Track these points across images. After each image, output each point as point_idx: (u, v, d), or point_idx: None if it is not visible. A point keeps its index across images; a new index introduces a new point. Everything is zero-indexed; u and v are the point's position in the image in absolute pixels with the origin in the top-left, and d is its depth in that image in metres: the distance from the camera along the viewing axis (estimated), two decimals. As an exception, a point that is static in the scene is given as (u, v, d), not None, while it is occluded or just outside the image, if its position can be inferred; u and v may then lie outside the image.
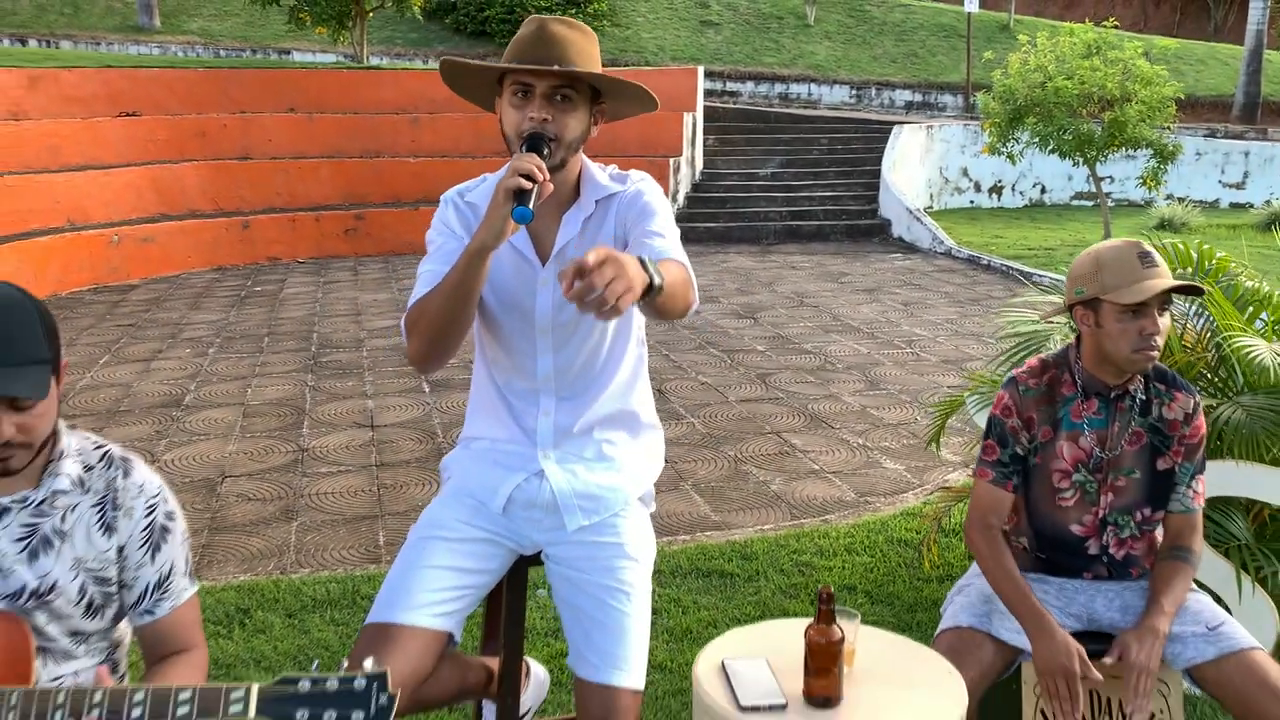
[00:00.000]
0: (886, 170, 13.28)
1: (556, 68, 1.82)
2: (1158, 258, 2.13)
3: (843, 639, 1.81)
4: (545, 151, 1.81)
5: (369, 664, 1.51)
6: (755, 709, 1.79)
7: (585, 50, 1.89)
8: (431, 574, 1.94)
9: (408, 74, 12.95)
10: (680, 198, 12.92)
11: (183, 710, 1.51)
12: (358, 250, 11.54)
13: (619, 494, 2.03)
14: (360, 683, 1.50)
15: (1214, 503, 3.01)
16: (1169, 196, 15.70)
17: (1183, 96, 12.16)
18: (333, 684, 1.50)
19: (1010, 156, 11.74)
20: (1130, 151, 11.59)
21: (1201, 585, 2.89)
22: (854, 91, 21.22)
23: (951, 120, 16.59)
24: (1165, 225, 13.12)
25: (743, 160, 14.45)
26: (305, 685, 1.50)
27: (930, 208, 15.07)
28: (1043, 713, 2.21)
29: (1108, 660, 2.15)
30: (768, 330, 8.15)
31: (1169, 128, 11.38)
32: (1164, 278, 2.10)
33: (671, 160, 12.35)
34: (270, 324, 8.23)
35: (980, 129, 13.40)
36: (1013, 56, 11.68)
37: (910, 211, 12.53)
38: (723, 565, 3.90)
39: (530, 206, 1.71)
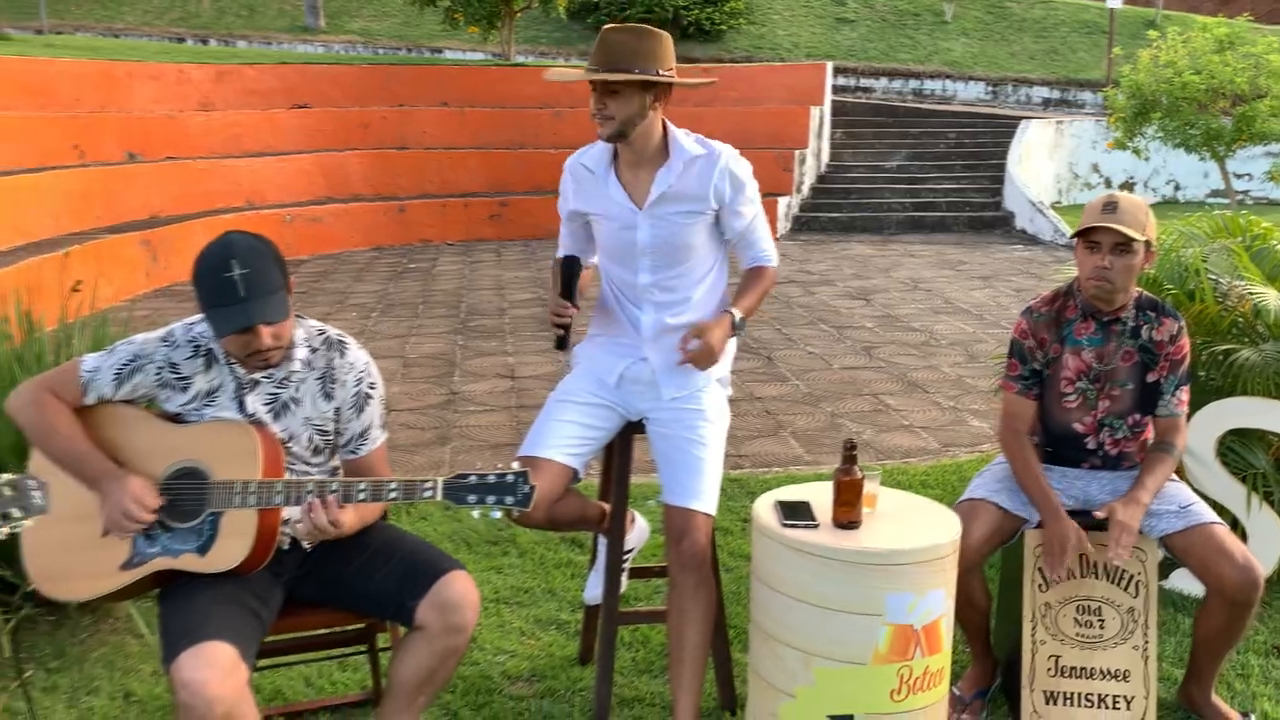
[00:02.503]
0: (1012, 164, 13.47)
1: (594, 76, 2.48)
2: (1122, 208, 2.64)
3: (863, 479, 2.40)
4: (574, 274, 2.64)
5: (515, 465, 2.19)
6: (793, 525, 2.40)
7: (635, 49, 2.49)
8: (562, 425, 2.64)
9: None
10: (805, 188, 13.41)
11: (392, 494, 2.22)
12: (501, 234, 12.43)
13: (701, 375, 2.67)
14: (510, 477, 2.19)
15: (1237, 436, 3.45)
16: (1313, 195, 15.34)
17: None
18: (492, 478, 2.19)
19: (1136, 151, 11.83)
20: (1270, 147, 11.52)
21: (1220, 507, 3.34)
22: (990, 88, 21.15)
23: (1090, 117, 16.52)
24: (1303, 222, 12.93)
25: (869, 153, 14.83)
26: (473, 478, 2.19)
27: (1059, 203, 15.12)
28: (1039, 570, 2.75)
29: (1099, 514, 2.68)
30: (879, 310, 8.62)
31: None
32: (1114, 223, 2.62)
33: (797, 152, 12.85)
34: (424, 295, 9.13)
35: (1107, 124, 13.44)
36: (1143, 52, 11.76)
37: (1033, 204, 12.72)
38: (809, 489, 4.49)
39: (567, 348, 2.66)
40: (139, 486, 2.20)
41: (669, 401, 2.65)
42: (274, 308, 2.24)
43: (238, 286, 2.18)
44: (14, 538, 2.26)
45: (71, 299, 4.01)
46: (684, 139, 2.66)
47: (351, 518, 2.26)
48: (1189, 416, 2.95)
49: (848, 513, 2.40)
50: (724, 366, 2.75)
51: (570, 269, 2.63)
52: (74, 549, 2.27)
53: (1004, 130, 14.88)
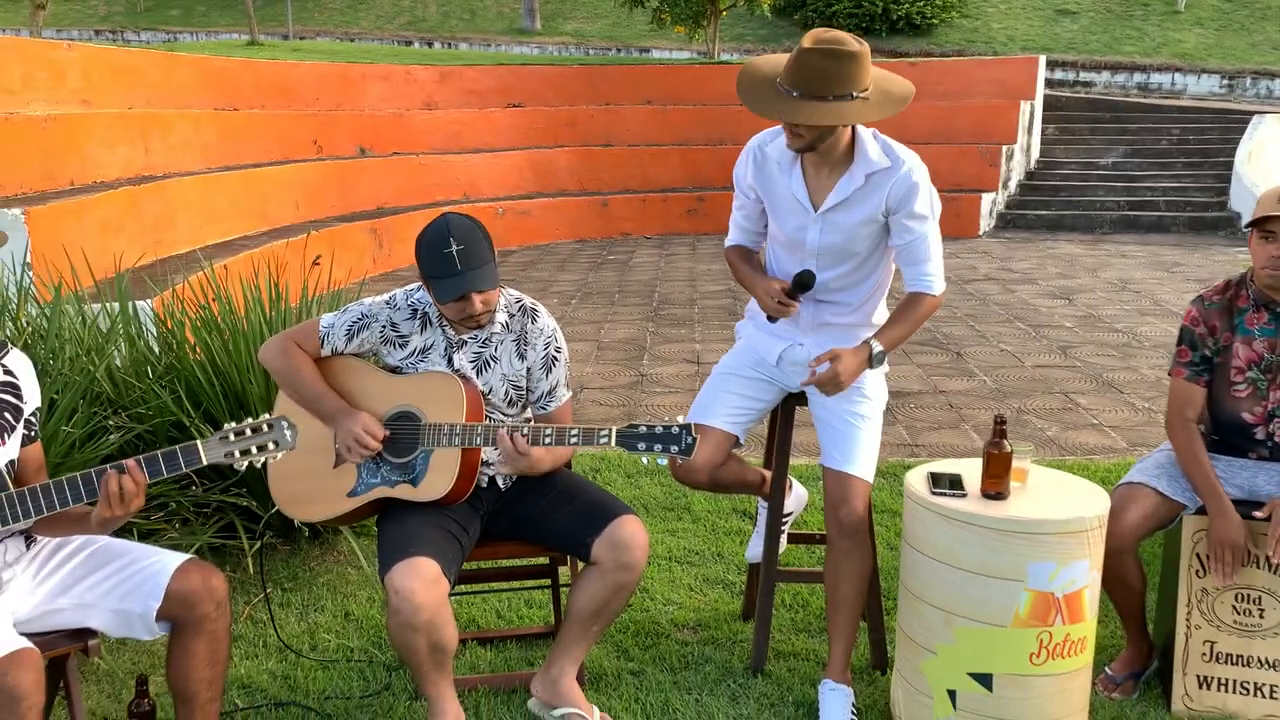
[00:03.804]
0: (1240, 162, 12.68)
1: (785, 118, 2.53)
2: None
3: (1011, 452, 2.52)
4: (810, 285, 2.73)
5: (680, 418, 2.44)
6: (942, 493, 2.54)
7: (832, 75, 2.47)
8: (726, 396, 2.88)
9: (753, 68, 14.03)
10: (1012, 185, 13.08)
11: (573, 438, 2.52)
12: (696, 228, 12.75)
13: None
14: (676, 429, 2.44)
15: None
16: None
17: None
18: (659, 428, 2.45)
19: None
20: None
21: None
22: (1225, 81, 19.84)
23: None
24: None
25: (1083, 149, 14.28)
26: (643, 428, 2.46)
27: (1295, 203, 14.08)
28: (1198, 556, 2.77)
29: (1257, 515, 2.68)
30: (1080, 310, 8.39)
31: None
32: None
33: (1004, 148, 12.55)
34: (620, 284, 9.55)
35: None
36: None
37: (1263, 204, 11.93)
38: (982, 478, 4.54)
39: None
40: (368, 421, 2.59)
41: (829, 381, 2.82)
42: (485, 278, 2.57)
43: (455, 260, 2.53)
44: (262, 468, 2.69)
45: (311, 274, 4.56)
46: (870, 146, 2.66)
47: (543, 453, 2.57)
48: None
49: (995, 484, 2.53)
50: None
51: (807, 279, 2.72)
52: (310, 477, 2.68)
53: (1235, 126, 14.00)
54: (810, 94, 2.50)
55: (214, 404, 3.62)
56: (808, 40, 2.54)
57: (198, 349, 3.82)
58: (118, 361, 3.82)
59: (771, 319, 2.82)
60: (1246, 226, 2.75)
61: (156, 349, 3.94)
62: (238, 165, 9.22)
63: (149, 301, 4.76)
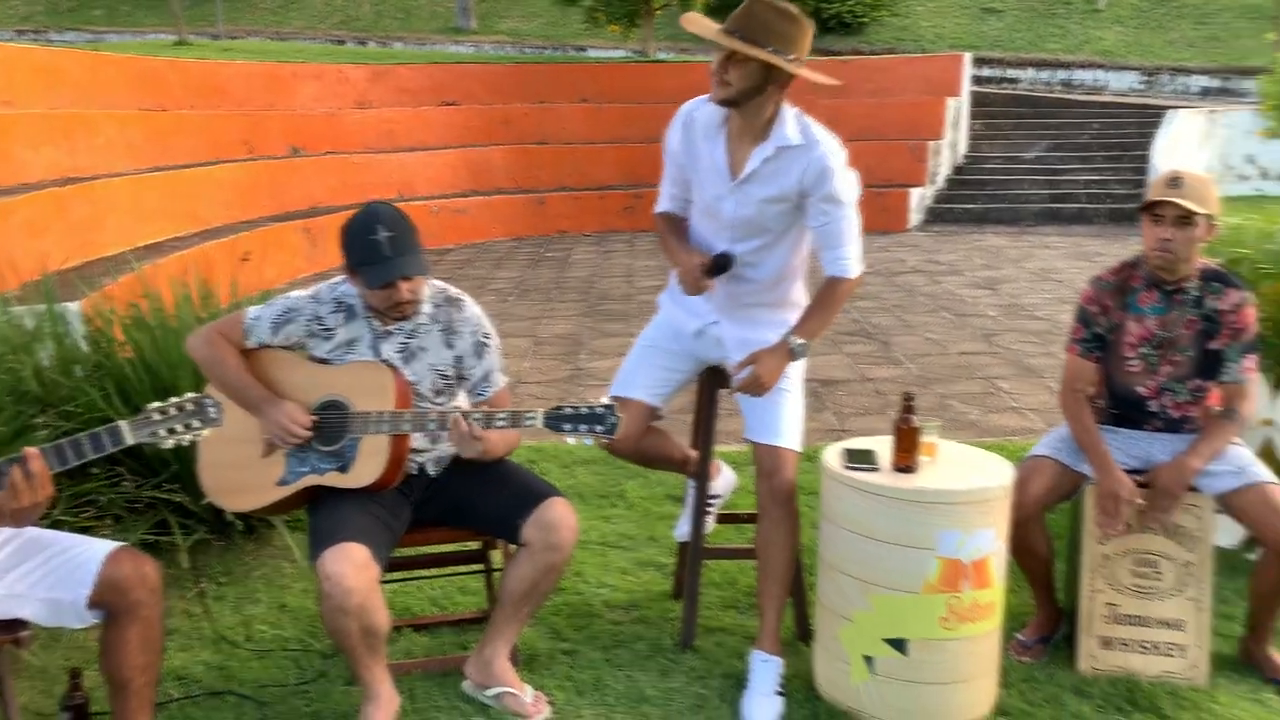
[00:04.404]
0: (1156, 155, 13.10)
1: (724, 40, 2.58)
2: (1186, 184, 2.78)
3: (919, 428, 2.64)
4: (728, 267, 2.80)
5: (604, 399, 2.53)
6: (855, 467, 2.66)
7: (773, 28, 2.58)
8: (646, 368, 3.01)
9: (688, 66, 14.20)
10: (940, 179, 13.36)
11: (501, 423, 2.59)
12: (634, 225, 12.83)
13: (768, 342, 2.83)
14: (600, 410, 2.52)
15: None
16: None
17: None
18: (584, 409, 2.53)
19: (1292, 139, 11.38)
20: None
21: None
22: (1144, 78, 20.43)
23: (1249, 107, 15.81)
24: None
25: (1007, 144, 14.64)
26: (568, 410, 2.54)
27: (1210, 195, 14.55)
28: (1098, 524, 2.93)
29: (1139, 479, 2.85)
30: (1004, 299, 8.63)
31: None
32: (1177, 198, 2.76)
33: (930, 144, 12.82)
34: (558, 281, 9.61)
35: (1259, 112, 12.92)
36: (1301, 36, 11.31)
37: (1179, 196, 12.34)
38: (906, 460, 4.68)
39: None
40: (293, 409, 2.63)
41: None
42: (413, 265, 2.63)
43: (384, 247, 2.59)
44: (192, 456, 2.73)
45: (241, 273, 4.56)
46: (790, 124, 2.71)
47: (497, 438, 2.65)
48: None
49: (905, 458, 2.65)
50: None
51: (725, 262, 2.80)
52: (239, 467, 2.72)
53: (1151, 120, 14.46)
54: (749, 38, 2.59)
55: (144, 400, 3.61)
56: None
57: (127, 347, 3.81)
58: (45, 361, 3.80)
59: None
60: (1138, 211, 2.91)
61: (85, 348, 3.92)
62: (167, 166, 9.10)
63: (77, 303, 4.72)
